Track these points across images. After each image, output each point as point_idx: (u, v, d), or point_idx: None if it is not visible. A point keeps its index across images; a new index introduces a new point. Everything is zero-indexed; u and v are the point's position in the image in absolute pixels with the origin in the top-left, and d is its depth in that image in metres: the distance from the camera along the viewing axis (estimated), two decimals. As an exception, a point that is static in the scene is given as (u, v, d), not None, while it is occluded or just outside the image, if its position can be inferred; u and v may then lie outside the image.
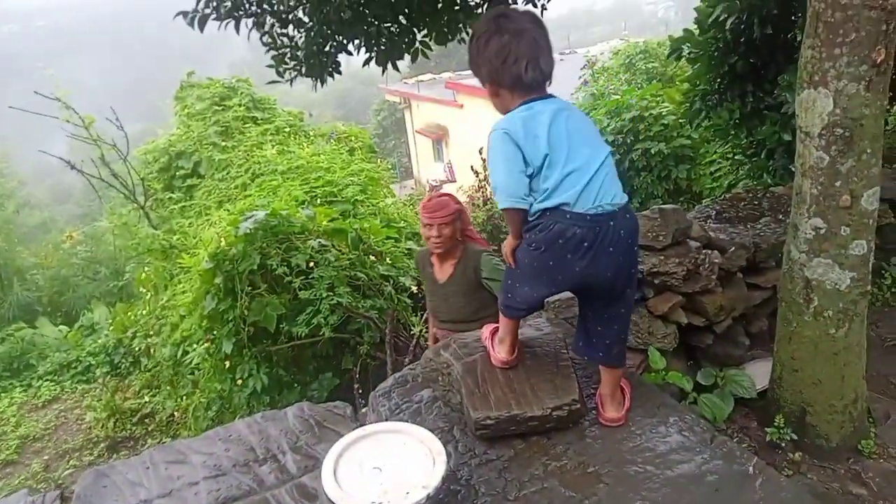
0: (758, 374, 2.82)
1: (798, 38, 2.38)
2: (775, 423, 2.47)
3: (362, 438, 1.73)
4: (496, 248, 4.03)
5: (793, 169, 2.38)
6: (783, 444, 2.43)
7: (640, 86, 9.60)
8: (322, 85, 4.31)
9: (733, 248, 3.02)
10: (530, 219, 1.81)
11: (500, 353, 2.11)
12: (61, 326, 8.91)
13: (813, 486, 2.12)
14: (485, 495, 1.75)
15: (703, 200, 4.48)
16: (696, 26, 4.41)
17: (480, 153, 12.23)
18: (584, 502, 1.71)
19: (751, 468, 1.78)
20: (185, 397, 5.37)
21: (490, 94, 1.86)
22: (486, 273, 3.10)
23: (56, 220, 14.45)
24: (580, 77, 13.43)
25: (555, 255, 1.78)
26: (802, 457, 2.38)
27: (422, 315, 4.04)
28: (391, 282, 4.62)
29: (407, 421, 1.96)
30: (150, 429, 6.33)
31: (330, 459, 1.64)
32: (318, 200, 5.68)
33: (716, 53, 4.29)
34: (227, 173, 7.50)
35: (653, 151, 6.59)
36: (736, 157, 5.32)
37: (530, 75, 1.77)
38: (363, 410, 2.33)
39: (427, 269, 3.36)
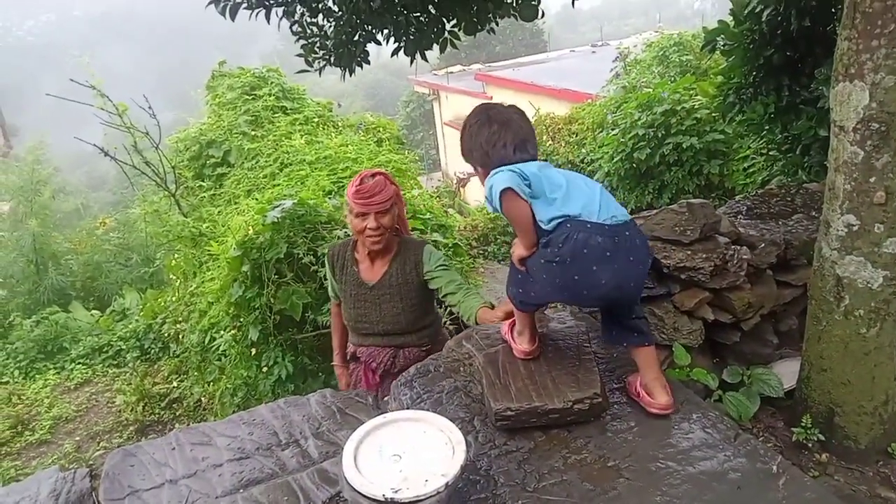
0: (786, 373, 2.77)
1: (837, 31, 2.33)
2: (802, 424, 2.43)
3: (383, 426, 1.74)
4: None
5: (827, 165, 2.33)
6: (810, 445, 2.39)
7: (673, 79, 9.46)
8: (351, 74, 4.33)
9: (763, 245, 2.96)
10: (547, 228, 1.83)
11: (521, 344, 2.13)
12: (94, 311, 9.12)
13: (839, 488, 2.08)
14: (503, 486, 1.75)
15: (736, 196, 4.40)
16: (731, 18, 4.33)
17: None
18: (604, 496, 1.70)
19: (775, 467, 1.75)
20: (212, 383, 5.46)
21: (482, 175, 2.03)
22: (430, 267, 2.70)
23: (90, 207, 14.75)
24: (612, 69, 13.29)
25: (580, 268, 1.79)
26: (829, 458, 2.34)
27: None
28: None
29: (428, 410, 1.97)
30: (177, 413, 6.45)
31: (351, 445, 1.66)
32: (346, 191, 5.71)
33: (751, 46, 4.20)
34: (256, 162, 7.57)
35: (684, 146, 6.49)
36: (770, 153, 5.21)
37: (517, 156, 1.93)
38: (385, 399, 2.34)
39: (349, 268, 2.78)
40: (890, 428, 2.37)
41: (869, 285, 2.20)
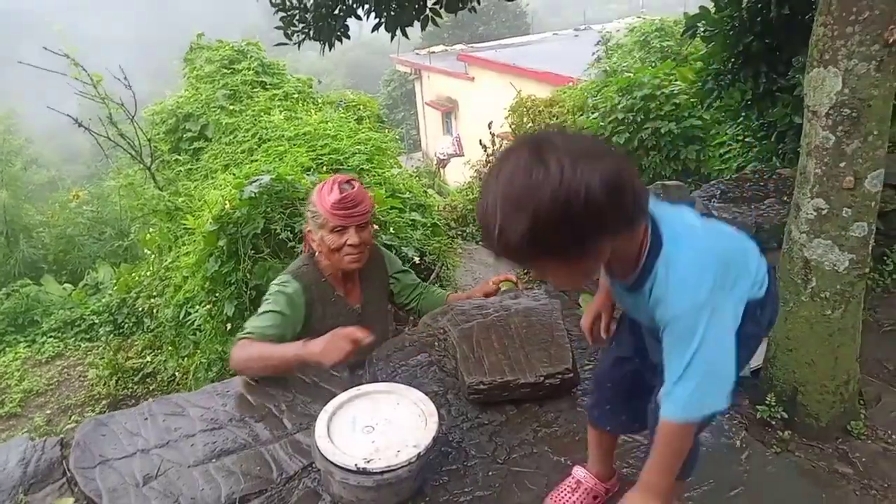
0: (753, 353, 2.83)
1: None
2: (767, 402, 2.49)
3: (357, 397, 1.76)
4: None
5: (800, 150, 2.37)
6: (773, 423, 2.45)
7: (654, 64, 9.50)
8: (330, 49, 4.29)
9: (735, 228, 3.01)
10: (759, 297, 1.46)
11: None
12: (66, 284, 8.99)
13: (799, 464, 2.15)
14: (474, 457, 1.78)
15: (711, 181, 4.48)
16: (712, 4, 4.35)
17: (489, 127, 12.09)
18: (572, 468, 1.73)
19: (738, 442, 1.81)
20: (186, 358, 5.42)
21: (598, 254, 1.15)
22: (396, 268, 2.55)
23: (63, 179, 14.48)
24: (594, 53, 13.31)
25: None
26: (791, 435, 2.40)
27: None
28: (393, 251, 4.62)
29: (402, 383, 1.99)
30: (151, 388, 6.41)
31: (324, 416, 1.67)
32: (324, 167, 5.66)
33: (731, 32, 4.23)
34: (234, 137, 7.47)
35: (662, 131, 6.54)
36: (746, 140, 5.28)
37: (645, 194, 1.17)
38: (359, 372, 2.36)
39: (331, 297, 2.30)
40: (850, 406, 2.44)
41: (835, 268, 2.25)
